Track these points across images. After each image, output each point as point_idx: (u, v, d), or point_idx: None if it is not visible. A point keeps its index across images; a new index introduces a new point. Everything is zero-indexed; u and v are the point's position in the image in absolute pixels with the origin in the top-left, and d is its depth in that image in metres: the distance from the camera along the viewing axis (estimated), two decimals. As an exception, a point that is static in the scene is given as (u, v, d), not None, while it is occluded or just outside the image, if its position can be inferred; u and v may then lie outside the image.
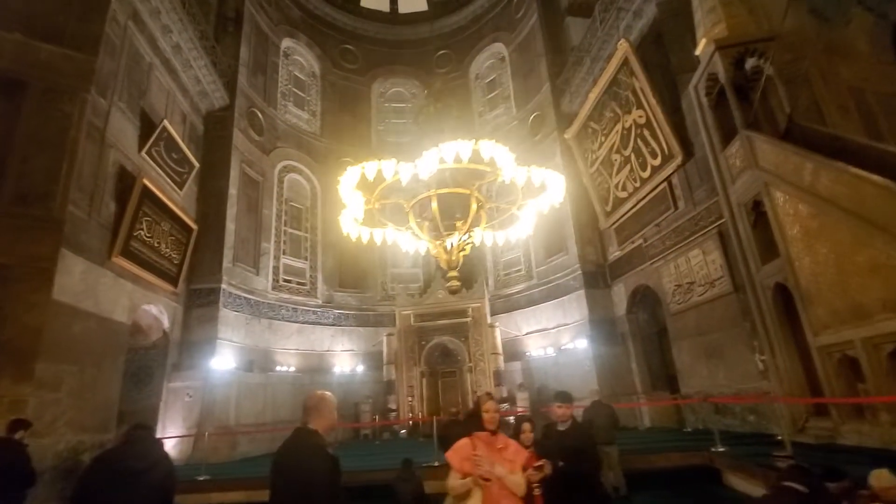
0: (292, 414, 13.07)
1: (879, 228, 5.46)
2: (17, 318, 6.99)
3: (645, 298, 12.03)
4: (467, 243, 4.23)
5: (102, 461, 2.90)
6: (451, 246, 4.13)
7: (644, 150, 10.96)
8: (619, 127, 11.76)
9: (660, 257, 10.74)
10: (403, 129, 18.98)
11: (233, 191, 13.17)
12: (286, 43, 17.21)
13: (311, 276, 15.66)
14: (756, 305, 8.02)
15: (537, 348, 14.39)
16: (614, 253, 12.93)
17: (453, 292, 4.09)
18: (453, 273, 4.08)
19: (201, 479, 8.09)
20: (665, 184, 10.49)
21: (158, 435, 10.08)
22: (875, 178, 5.46)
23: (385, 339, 15.18)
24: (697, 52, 9.33)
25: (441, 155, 3.83)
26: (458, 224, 4.37)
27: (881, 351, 5.68)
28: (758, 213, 8.01)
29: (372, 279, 16.82)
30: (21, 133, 7.80)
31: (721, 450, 6.68)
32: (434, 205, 3.88)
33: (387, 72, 19.53)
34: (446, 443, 5.94)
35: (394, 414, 14.06)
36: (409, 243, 4.75)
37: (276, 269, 14.60)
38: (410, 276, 17.29)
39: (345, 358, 15.30)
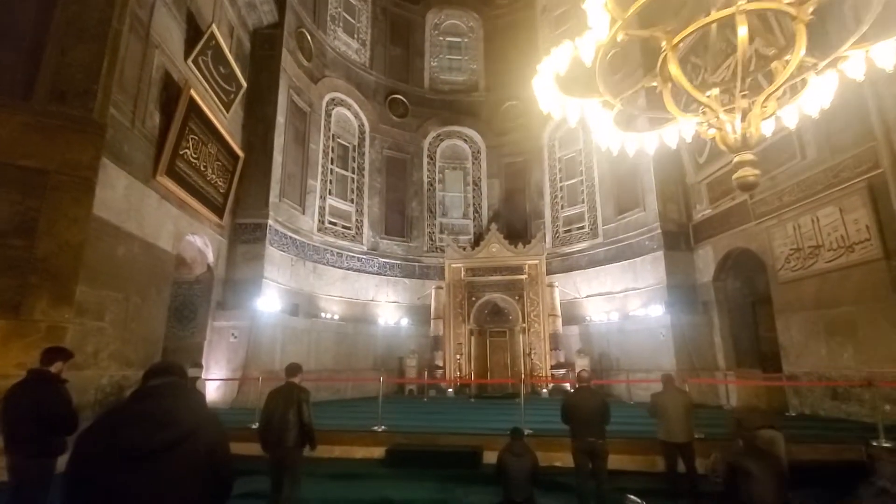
0: (335, 363, 12.38)
1: None
2: (55, 233, 6.04)
3: (739, 264, 10.63)
4: (776, 96, 2.80)
5: (99, 432, 1.68)
6: (739, 113, 2.79)
7: (765, 86, 9.26)
8: (730, 60, 9.99)
9: (773, 215, 9.25)
10: (459, 66, 17.30)
11: (280, 119, 11.94)
12: (337, -40, 15.45)
13: (356, 220, 14.57)
14: (919, 275, 6.63)
15: (599, 313, 13.22)
16: (703, 211, 11.44)
17: (747, 187, 2.79)
18: (747, 156, 2.77)
19: (254, 427, 7.29)
20: (791, 128, 8.85)
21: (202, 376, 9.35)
22: None
23: (433, 291, 14.18)
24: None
25: None
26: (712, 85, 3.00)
27: None
28: (938, 161, 6.50)
29: (419, 228, 15.68)
30: (59, 19, 6.63)
31: (886, 445, 5.49)
32: (742, 32, 2.50)
33: (442, 1, 17.64)
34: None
35: (440, 371, 13.22)
36: (609, 133, 3.34)
37: (321, 209, 13.52)
38: (460, 227, 16.09)
39: (389, 309, 14.40)
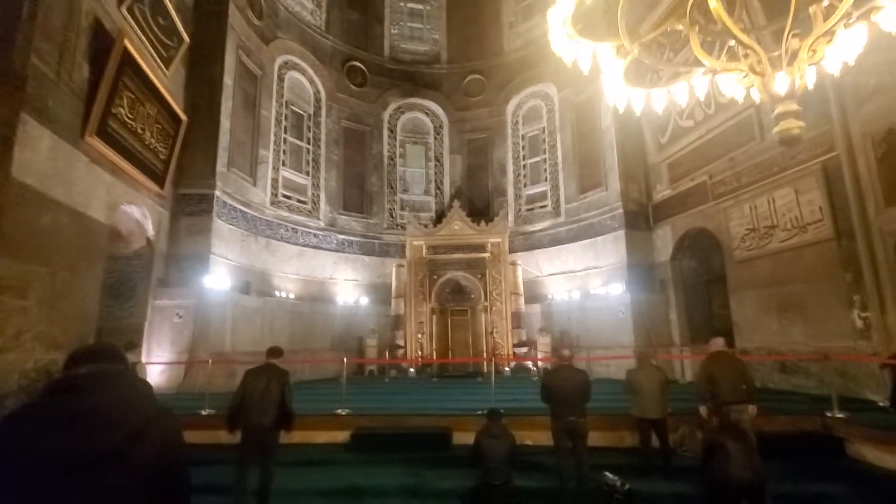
0: (291, 343, 11.75)
1: None
2: (-38, 198, 5.18)
3: (695, 244, 10.93)
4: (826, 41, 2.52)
5: (10, 436, 1.24)
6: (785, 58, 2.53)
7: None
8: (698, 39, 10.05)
9: (731, 196, 9.51)
10: (420, 35, 16.59)
11: (228, 80, 10.96)
12: (291, -90, 14.22)
13: (313, 194, 13.83)
14: (868, 254, 6.97)
15: (561, 291, 13.33)
16: (663, 191, 11.64)
17: (791, 141, 2.52)
18: (792, 106, 2.50)
19: (205, 413, 6.76)
20: (752, 110, 9.05)
21: (143, 359, 8.59)
22: None
23: (394, 269, 13.80)
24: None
25: None
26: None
27: None
28: (891, 144, 6.77)
29: (379, 204, 15.12)
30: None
31: (840, 416, 5.75)
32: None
33: (404, -35, 16.77)
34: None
35: (401, 351, 12.95)
36: (617, 87, 3.05)
37: (274, 181, 12.70)
38: (422, 204, 15.66)
39: (348, 288, 13.88)
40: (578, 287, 12.90)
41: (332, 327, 13.04)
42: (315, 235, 13.47)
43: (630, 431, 5.78)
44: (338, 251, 13.91)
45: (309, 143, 14.04)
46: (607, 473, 4.54)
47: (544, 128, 14.96)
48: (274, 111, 12.93)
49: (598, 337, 11.69)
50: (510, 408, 6.73)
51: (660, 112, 3.17)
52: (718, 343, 5.00)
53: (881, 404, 6.51)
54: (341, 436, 6.34)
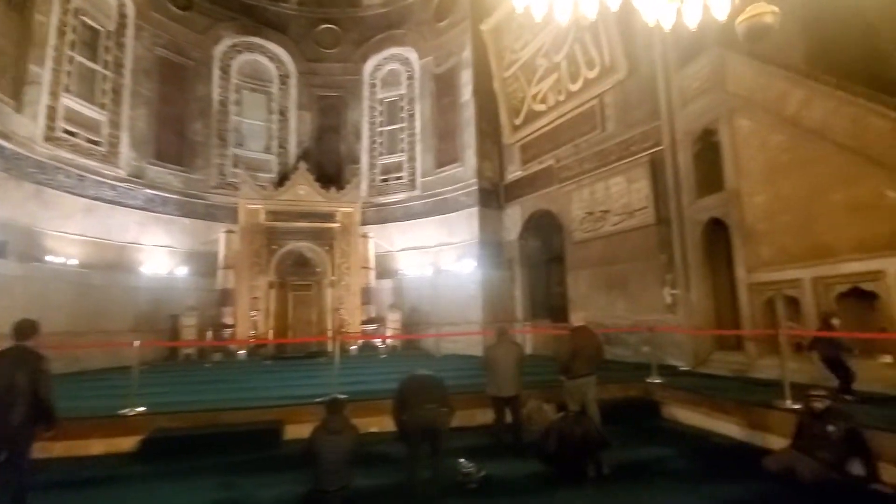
0: (74, 323, 9.24)
1: (878, 165, 5.24)
2: None
3: (540, 225, 11.44)
4: None
5: None
6: None
7: (580, 58, 9.81)
8: (554, 26, 10.31)
9: (573, 181, 10.05)
10: (269, -33, 14.25)
11: (-29, -44, 7.75)
12: None
13: (110, 133, 10.90)
14: (680, 240, 7.86)
15: (413, 267, 12.92)
16: (515, 172, 11.93)
17: (757, 33, 1.98)
18: None
19: None
20: (596, 101, 9.61)
21: None
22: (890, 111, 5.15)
23: (223, 236, 11.80)
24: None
25: None
26: None
27: (831, 291, 5.73)
28: (705, 143, 7.65)
29: (205, 157, 12.74)
30: None
31: (658, 381, 6.31)
32: None
33: None
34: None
35: (229, 331, 11.16)
36: None
37: (51, 110, 9.61)
38: (261, 163, 13.65)
39: (159, 255, 11.42)
40: (431, 263, 12.64)
41: (137, 303, 10.60)
42: (113, 187, 10.68)
43: (481, 409, 5.53)
44: (146, 210, 11.30)
45: (108, 69, 10.98)
46: (462, 461, 4.13)
47: (403, 95, 14.21)
48: (56, 18, 9.72)
49: (449, 313, 11.58)
50: (355, 391, 6.00)
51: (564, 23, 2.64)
52: (581, 317, 4.98)
53: (683, 368, 7.45)
54: (127, 443, 4.84)
